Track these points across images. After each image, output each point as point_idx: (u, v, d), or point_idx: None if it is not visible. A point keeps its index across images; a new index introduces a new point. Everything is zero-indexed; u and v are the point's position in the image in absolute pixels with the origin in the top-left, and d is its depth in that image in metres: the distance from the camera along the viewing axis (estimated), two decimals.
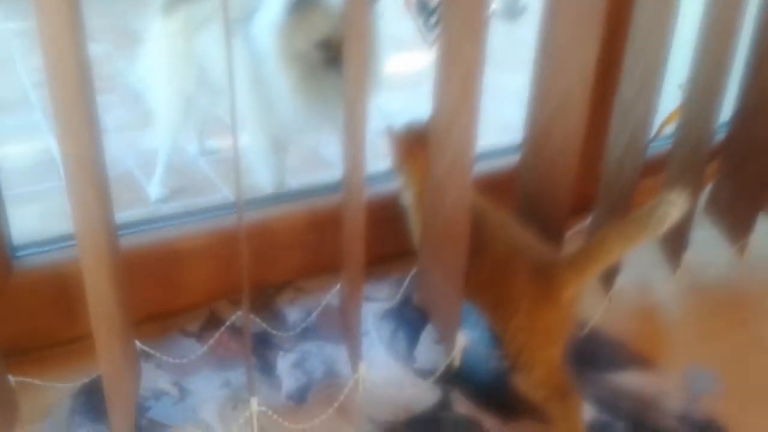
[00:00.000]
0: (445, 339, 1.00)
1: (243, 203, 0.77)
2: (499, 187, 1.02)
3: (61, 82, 0.62)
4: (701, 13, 1.06)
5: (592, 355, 1.03)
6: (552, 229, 1.00)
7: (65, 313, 0.96)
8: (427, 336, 1.05)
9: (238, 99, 1.57)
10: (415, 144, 0.97)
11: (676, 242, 1.15)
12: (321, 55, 1.36)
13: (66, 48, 0.62)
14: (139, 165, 1.78)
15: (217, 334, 1.01)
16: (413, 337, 1.05)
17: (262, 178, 1.57)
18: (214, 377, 0.96)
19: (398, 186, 1.04)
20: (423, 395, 0.95)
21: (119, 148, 1.86)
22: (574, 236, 1.14)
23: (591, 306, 1.09)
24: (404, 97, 2.05)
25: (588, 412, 0.93)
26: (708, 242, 1.25)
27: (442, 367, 0.98)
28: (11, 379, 0.88)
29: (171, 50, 1.63)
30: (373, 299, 1.12)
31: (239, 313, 1.03)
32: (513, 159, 1.16)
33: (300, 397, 0.94)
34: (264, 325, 1.04)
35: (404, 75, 2.16)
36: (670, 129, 1.30)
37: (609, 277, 1.09)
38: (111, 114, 2.09)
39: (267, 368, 0.98)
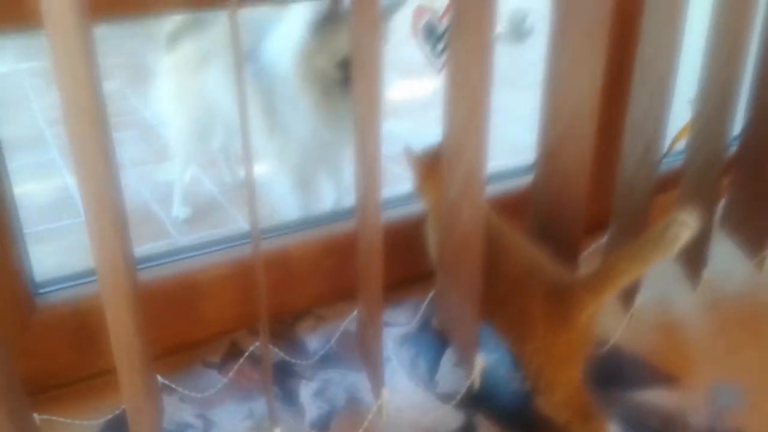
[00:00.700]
0: (464, 361, 1.00)
1: (258, 232, 0.77)
2: (512, 208, 1.02)
3: (77, 119, 0.64)
4: (709, 27, 1.06)
5: (615, 373, 1.02)
6: (567, 249, 1.00)
7: (87, 349, 0.97)
8: (448, 360, 1.05)
9: (253, 133, 1.59)
10: (433, 166, 0.98)
11: (695, 258, 1.14)
12: (340, 74, 1.36)
13: (81, 85, 0.63)
14: (156, 198, 1.80)
15: (236, 366, 1.01)
16: (434, 362, 1.05)
17: (290, 210, 1.58)
18: (237, 408, 0.96)
19: (421, 208, 1.04)
20: (446, 419, 0.95)
21: (136, 182, 1.89)
22: (591, 255, 1.14)
23: (612, 324, 1.08)
24: (414, 123, 2.07)
25: (614, 431, 0.92)
26: (726, 256, 1.24)
27: (462, 391, 0.98)
28: (36, 417, 0.89)
29: (177, 84, 1.67)
30: (392, 324, 1.12)
31: (258, 343, 1.03)
32: (525, 180, 1.16)
33: (323, 425, 0.94)
34: (283, 355, 1.04)
35: (413, 101, 2.18)
36: (682, 144, 1.30)
37: (629, 294, 1.08)
38: (127, 149, 2.13)
39: (289, 397, 0.98)
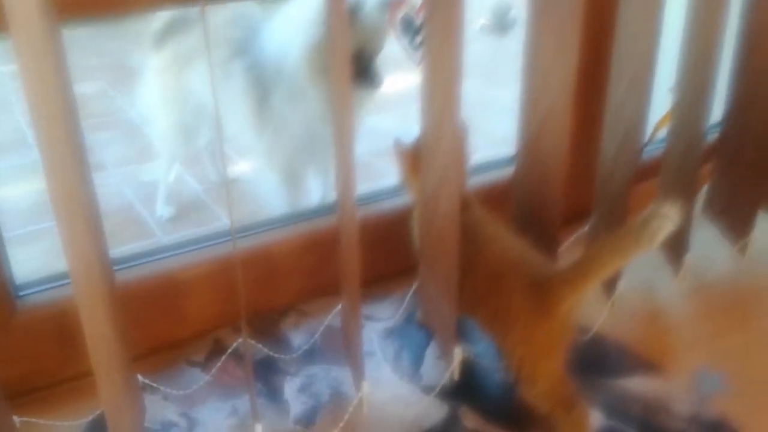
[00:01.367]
0: (445, 353, 1.00)
1: (236, 230, 0.77)
2: (494, 199, 1.02)
3: (46, 121, 0.63)
4: (685, 15, 1.06)
5: (598, 361, 1.03)
6: (547, 239, 1.00)
7: (68, 351, 0.96)
8: (432, 353, 1.05)
9: (242, 130, 1.58)
10: (419, 159, 0.98)
11: (676, 244, 1.15)
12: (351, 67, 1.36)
13: (49, 87, 0.63)
14: (140, 198, 1.80)
15: (219, 363, 1.01)
16: (418, 355, 1.05)
17: (279, 206, 1.58)
18: (221, 406, 0.96)
19: (406, 202, 1.04)
20: (431, 411, 0.95)
21: (119, 182, 1.88)
22: (573, 245, 1.14)
23: (594, 312, 1.08)
24: (397, 117, 2.07)
25: (597, 419, 0.92)
26: (709, 243, 1.25)
27: (443, 383, 0.98)
28: (16, 419, 0.88)
29: (164, 83, 1.66)
30: (376, 318, 1.12)
31: (240, 340, 1.03)
32: (507, 172, 1.16)
33: (308, 420, 0.94)
34: (267, 351, 1.04)
35: (396, 95, 2.18)
36: (664, 132, 1.31)
37: (611, 282, 1.09)
38: (110, 150, 2.12)
39: (274, 393, 0.98)
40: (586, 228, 1.15)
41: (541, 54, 0.95)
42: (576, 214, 1.14)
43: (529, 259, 0.91)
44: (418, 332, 1.09)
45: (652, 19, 0.97)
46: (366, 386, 0.93)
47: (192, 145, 1.74)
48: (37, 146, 0.64)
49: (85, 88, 2.48)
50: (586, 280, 0.83)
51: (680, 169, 1.14)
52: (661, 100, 1.22)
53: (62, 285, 1.01)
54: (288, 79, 1.42)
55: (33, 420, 0.90)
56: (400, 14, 1.10)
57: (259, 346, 1.04)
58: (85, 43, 2.94)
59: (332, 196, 1.59)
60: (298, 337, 1.08)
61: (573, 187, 1.04)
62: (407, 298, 1.11)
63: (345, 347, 1.04)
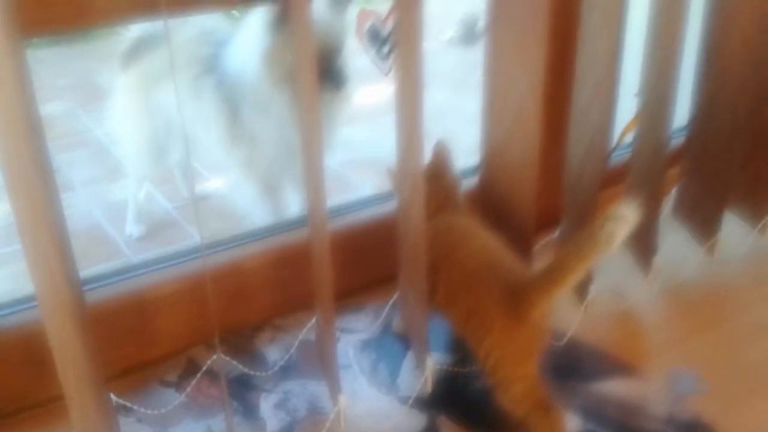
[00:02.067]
0: (419, 362, 1.00)
1: (207, 246, 0.76)
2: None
3: (9, 141, 0.62)
4: (647, 20, 1.08)
5: (572, 365, 1.03)
6: (519, 245, 1.01)
7: (39, 374, 0.94)
8: (409, 364, 1.05)
9: (215, 146, 1.58)
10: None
11: (645, 247, 1.16)
12: None
13: (12, 106, 0.62)
14: (108, 218, 1.78)
15: (194, 382, 1.00)
16: (395, 366, 1.05)
17: (259, 218, 1.57)
18: (196, 426, 0.95)
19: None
20: (409, 422, 0.95)
21: (87, 202, 1.85)
22: (544, 249, 1.15)
23: (567, 316, 1.09)
24: (369, 129, 2.07)
25: (573, 422, 0.93)
26: (677, 244, 1.26)
27: (416, 392, 0.98)
28: None
29: (132, 103, 1.65)
30: (351, 331, 1.11)
31: (215, 357, 1.02)
32: (474, 180, 1.17)
33: None
34: (242, 368, 1.03)
35: (368, 107, 2.18)
36: (630, 137, 1.32)
37: (583, 286, 1.09)
38: (79, 169, 2.09)
39: (250, 411, 0.97)
40: (555, 234, 1.16)
41: (503, 61, 0.96)
42: (546, 220, 1.15)
43: (504, 261, 0.92)
44: (394, 343, 1.09)
45: (615, 22, 0.98)
46: (343, 400, 0.92)
47: (162, 163, 1.73)
48: (1, 168, 0.63)
49: (53, 107, 2.45)
50: (556, 286, 0.84)
51: (647, 172, 1.15)
52: (628, 105, 1.23)
53: (32, 307, 0.99)
54: (252, 91, 1.42)
55: None
56: (367, 25, 1.11)
57: (234, 363, 1.03)
58: (53, 63, 2.91)
59: None
60: (274, 353, 1.07)
61: (542, 194, 1.05)
62: (385, 309, 1.11)
63: (320, 361, 1.03)
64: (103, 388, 0.86)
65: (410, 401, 0.97)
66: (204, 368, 1.01)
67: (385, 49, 1.08)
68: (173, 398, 0.99)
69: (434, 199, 0.97)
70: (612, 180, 1.13)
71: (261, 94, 1.41)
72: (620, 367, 1.03)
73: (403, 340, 1.08)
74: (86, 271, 0.83)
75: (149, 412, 0.95)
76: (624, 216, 0.77)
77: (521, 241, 1.04)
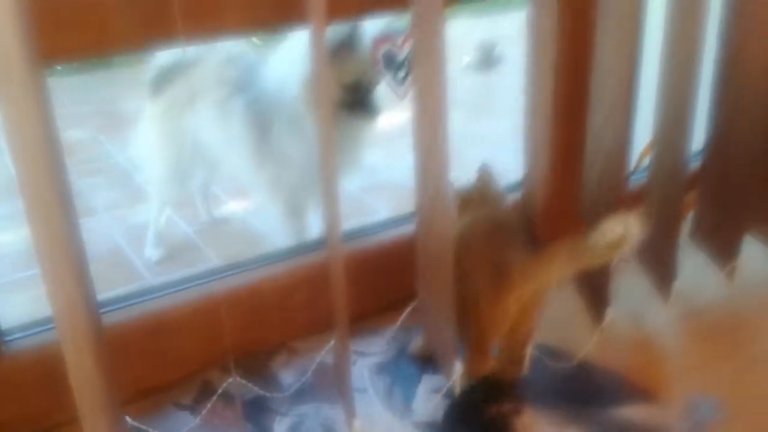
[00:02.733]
0: (444, 367, 1.00)
1: (224, 268, 0.77)
2: None
3: (29, 168, 0.63)
4: (662, 44, 1.08)
5: (591, 391, 1.02)
6: None
7: (57, 396, 0.95)
8: (424, 387, 1.04)
9: (242, 167, 1.61)
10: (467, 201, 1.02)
11: (664, 271, 1.15)
12: (348, 97, 1.40)
13: (32, 133, 0.63)
14: (128, 242, 1.79)
15: (209, 404, 1.00)
16: (410, 390, 1.04)
17: (284, 239, 1.59)
18: None
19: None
20: None
21: (108, 226, 1.88)
22: None
23: (583, 340, 1.08)
24: (386, 153, 2.08)
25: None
26: (697, 268, 1.25)
27: (443, 392, 0.99)
28: None
29: (160, 130, 1.68)
30: (367, 354, 1.11)
31: (230, 380, 1.02)
32: None
33: None
34: (257, 390, 1.03)
35: (387, 130, 2.20)
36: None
37: (599, 309, 1.08)
38: (100, 194, 2.12)
39: None
40: None
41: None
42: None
43: (503, 236, 0.95)
44: (409, 366, 1.08)
45: (632, 42, 0.98)
46: (358, 424, 0.92)
47: (186, 188, 1.75)
48: (21, 193, 0.64)
49: (75, 134, 2.50)
50: (541, 277, 0.87)
51: (664, 196, 1.14)
52: (648, 128, 1.23)
53: (49, 329, 1.00)
54: (288, 112, 1.46)
55: None
56: (383, 50, 1.13)
57: (249, 385, 1.03)
58: (77, 90, 2.97)
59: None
60: (289, 376, 1.07)
61: (560, 217, 1.05)
62: (400, 333, 1.10)
63: (336, 384, 1.03)
64: (118, 410, 0.87)
65: (427, 425, 0.96)
66: (219, 391, 1.02)
67: (401, 74, 1.09)
68: (188, 421, 0.99)
69: (484, 223, 0.99)
70: (629, 204, 1.12)
71: (298, 115, 1.45)
72: (639, 393, 1.01)
73: (419, 363, 1.07)
74: (104, 294, 0.84)
75: None
76: (629, 228, 0.78)
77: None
